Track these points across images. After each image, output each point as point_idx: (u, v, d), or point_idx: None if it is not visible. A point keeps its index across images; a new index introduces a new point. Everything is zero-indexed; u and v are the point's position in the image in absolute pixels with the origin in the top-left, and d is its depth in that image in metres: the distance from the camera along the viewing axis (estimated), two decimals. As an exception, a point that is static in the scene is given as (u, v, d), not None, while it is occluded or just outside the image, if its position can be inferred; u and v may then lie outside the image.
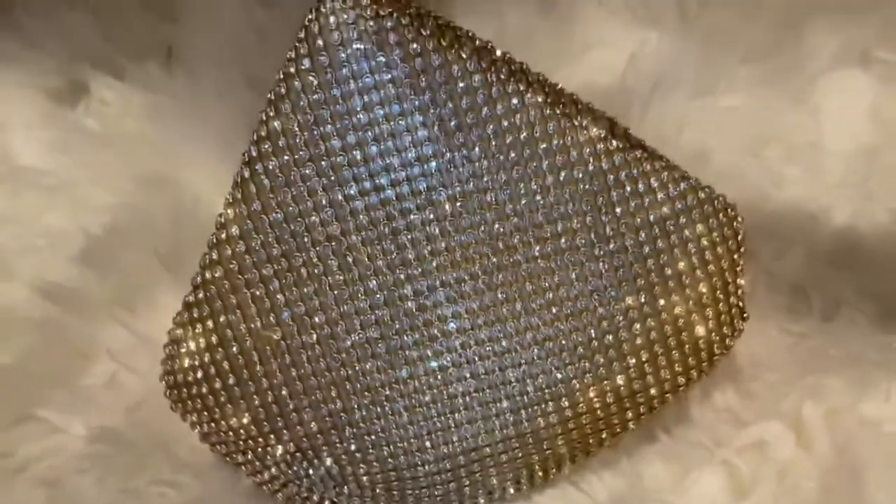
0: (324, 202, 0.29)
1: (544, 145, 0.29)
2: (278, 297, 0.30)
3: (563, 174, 0.30)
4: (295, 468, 0.32)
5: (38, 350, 0.37)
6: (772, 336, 0.35)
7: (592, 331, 0.31)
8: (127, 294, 0.39)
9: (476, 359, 0.31)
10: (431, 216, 0.29)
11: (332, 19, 0.28)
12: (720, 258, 0.31)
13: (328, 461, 0.32)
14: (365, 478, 0.32)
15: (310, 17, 0.28)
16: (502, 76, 0.29)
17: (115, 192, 0.42)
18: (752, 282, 0.37)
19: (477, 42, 0.29)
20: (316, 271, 0.30)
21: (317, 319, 0.30)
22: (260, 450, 0.32)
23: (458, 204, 0.29)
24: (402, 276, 0.30)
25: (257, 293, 0.30)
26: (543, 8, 0.48)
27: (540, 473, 0.33)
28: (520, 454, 0.32)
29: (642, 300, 0.31)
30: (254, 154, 0.29)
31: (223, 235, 0.30)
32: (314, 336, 0.30)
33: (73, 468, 0.34)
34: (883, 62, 0.44)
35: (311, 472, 0.32)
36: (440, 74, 0.28)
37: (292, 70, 0.28)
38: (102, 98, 0.47)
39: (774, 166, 0.41)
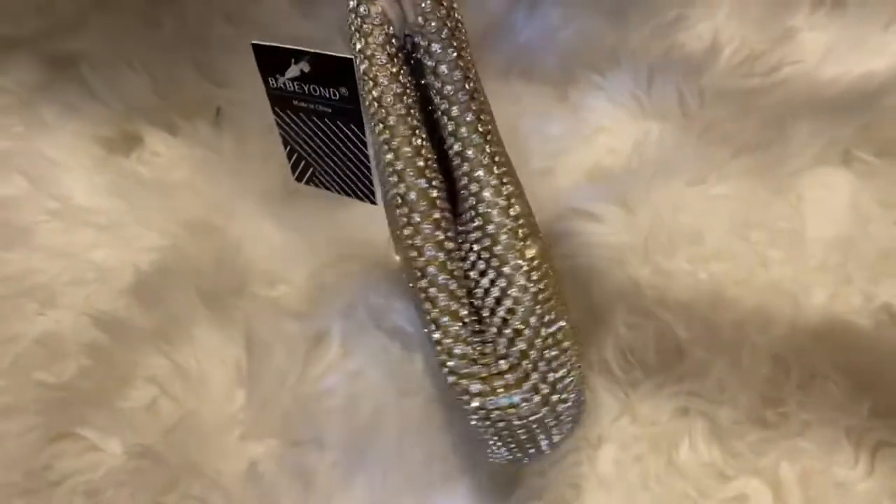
0: None
1: None
2: None
3: None
4: None
5: (84, 373, 0.40)
6: (754, 400, 0.38)
7: None
8: (169, 327, 0.41)
9: None
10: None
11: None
12: None
13: None
14: None
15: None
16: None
17: (161, 234, 0.46)
18: (737, 352, 0.40)
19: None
20: None
21: None
22: None
23: None
24: None
25: None
26: (557, 96, 0.54)
27: None
28: None
29: None
30: None
31: None
32: None
33: (111, 482, 0.36)
34: (861, 161, 0.48)
35: None
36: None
37: None
38: (154, 149, 0.52)
39: (760, 249, 0.44)
